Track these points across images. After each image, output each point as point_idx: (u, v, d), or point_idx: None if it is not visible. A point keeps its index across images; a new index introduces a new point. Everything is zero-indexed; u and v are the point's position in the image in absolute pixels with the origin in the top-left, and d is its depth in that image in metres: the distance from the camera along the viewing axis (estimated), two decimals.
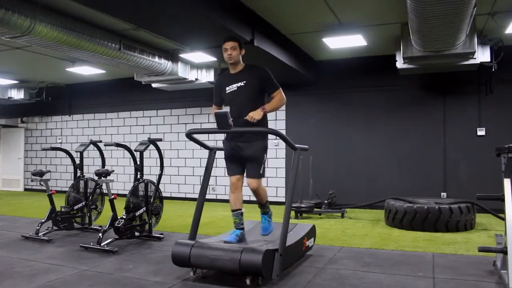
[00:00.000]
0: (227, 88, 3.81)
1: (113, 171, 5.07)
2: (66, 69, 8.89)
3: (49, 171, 5.95)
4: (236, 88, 3.76)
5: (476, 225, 5.84)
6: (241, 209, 3.81)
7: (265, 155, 3.78)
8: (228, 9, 5.14)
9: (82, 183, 5.70)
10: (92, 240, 4.60)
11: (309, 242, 4.29)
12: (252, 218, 4.74)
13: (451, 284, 3.39)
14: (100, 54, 6.28)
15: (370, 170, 8.10)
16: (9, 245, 4.82)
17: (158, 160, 5.35)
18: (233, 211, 3.82)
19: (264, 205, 3.94)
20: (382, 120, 8.13)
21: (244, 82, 3.74)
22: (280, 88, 3.79)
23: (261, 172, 3.75)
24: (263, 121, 3.73)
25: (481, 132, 7.46)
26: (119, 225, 4.59)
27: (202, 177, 3.93)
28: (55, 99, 11.07)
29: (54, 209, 5.22)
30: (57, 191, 6.10)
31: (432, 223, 5.55)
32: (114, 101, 10.58)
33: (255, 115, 3.57)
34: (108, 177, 4.82)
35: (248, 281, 3.26)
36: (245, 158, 3.76)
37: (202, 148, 3.99)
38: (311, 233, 4.39)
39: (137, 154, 5.17)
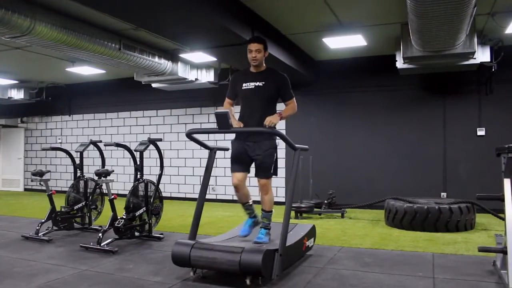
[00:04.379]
0: (244, 85, 3.83)
1: (113, 171, 5.07)
2: (66, 69, 8.89)
3: (49, 171, 5.95)
4: (253, 87, 3.79)
5: (476, 225, 5.84)
6: (249, 202, 3.94)
7: (275, 155, 3.82)
8: (228, 9, 5.14)
9: (82, 183, 5.70)
10: (92, 240, 4.60)
11: (309, 242, 4.29)
12: None
13: (451, 284, 3.39)
14: (100, 54, 6.28)
15: (370, 170, 8.10)
16: (9, 245, 4.82)
17: (158, 160, 5.34)
18: (243, 204, 3.96)
19: (267, 213, 3.85)
20: (382, 120, 8.13)
21: (263, 83, 3.78)
22: (294, 98, 3.91)
23: (271, 171, 3.81)
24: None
25: (481, 132, 7.46)
26: (119, 225, 4.59)
27: (202, 177, 3.94)
28: (55, 99, 11.08)
29: (54, 209, 5.22)
30: (57, 191, 6.09)
31: (432, 223, 5.55)
32: (114, 101, 10.58)
33: (273, 119, 3.58)
34: (108, 177, 4.82)
35: (248, 281, 3.26)
36: (253, 157, 3.79)
37: (202, 148, 3.99)
38: (311, 233, 4.39)
39: (137, 154, 5.16)
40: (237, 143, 3.86)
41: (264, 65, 3.87)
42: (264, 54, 3.81)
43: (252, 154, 3.77)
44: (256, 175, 3.84)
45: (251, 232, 3.93)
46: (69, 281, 3.47)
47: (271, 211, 3.88)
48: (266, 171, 3.77)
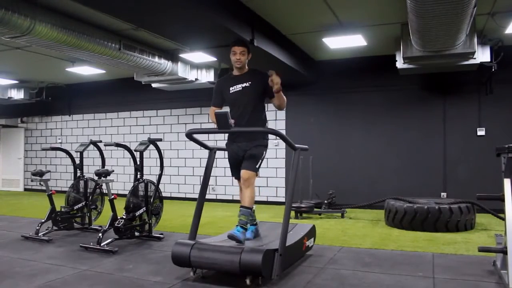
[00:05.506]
0: (231, 89, 3.86)
1: (113, 171, 5.07)
2: (66, 69, 8.89)
3: (49, 171, 5.95)
4: (241, 88, 3.83)
5: (476, 225, 5.84)
6: (252, 207, 3.83)
7: (264, 152, 3.82)
8: (228, 9, 5.14)
9: (82, 183, 5.70)
10: (92, 240, 4.60)
11: (309, 242, 4.29)
12: None
13: (451, 284, 3.39)
14: (100, 54, 6.28)
15: (370, 170, 8.10)
16: (9, 245, 4.82)
17: (158, 160, 5.35)
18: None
19: (246, 210, 3.60)
20: (382, 120, 8.13)
21: (250, 83, 3.82)
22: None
23: (257, 166, 3.73)
24: (263, 121, 3.84)
25: (481, 132, 7.46)
26: (119, 225, 4.59)
27: (202, 177, 3.94)
28: (55, 99, 11.07)
29: (54, 209, 5.22)
30: (57, 191, 6.09)
31: (432, 223, 5.55)
32: (114, 101, 10.58)
33: (277, 79, 3.52)
34: (108, 177, 4.81)
35: (248, 281, 3.27)
36: (244, 151, 3.80)
37: (202, 148, 4.00)
38: (311, 233, 4.39)
39: (137, 154, 5.17)
40: (230, 146, 3.91)
41: (246, 67, 3.91)
42: (248, 57, 3.85)
43: (243, 153, 3.78)
44: (241, 167, 3.72)
45: (252, 238, 3.86)
46: (69, 281, 3.47)
47: (251, 208, 3.67)
48: (253, 162, 3.69)
